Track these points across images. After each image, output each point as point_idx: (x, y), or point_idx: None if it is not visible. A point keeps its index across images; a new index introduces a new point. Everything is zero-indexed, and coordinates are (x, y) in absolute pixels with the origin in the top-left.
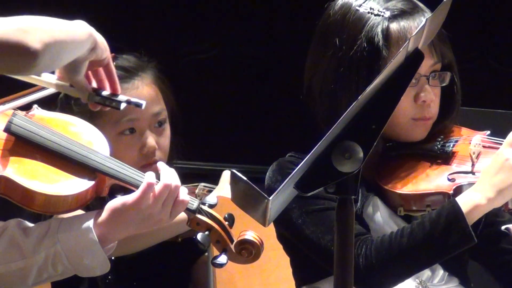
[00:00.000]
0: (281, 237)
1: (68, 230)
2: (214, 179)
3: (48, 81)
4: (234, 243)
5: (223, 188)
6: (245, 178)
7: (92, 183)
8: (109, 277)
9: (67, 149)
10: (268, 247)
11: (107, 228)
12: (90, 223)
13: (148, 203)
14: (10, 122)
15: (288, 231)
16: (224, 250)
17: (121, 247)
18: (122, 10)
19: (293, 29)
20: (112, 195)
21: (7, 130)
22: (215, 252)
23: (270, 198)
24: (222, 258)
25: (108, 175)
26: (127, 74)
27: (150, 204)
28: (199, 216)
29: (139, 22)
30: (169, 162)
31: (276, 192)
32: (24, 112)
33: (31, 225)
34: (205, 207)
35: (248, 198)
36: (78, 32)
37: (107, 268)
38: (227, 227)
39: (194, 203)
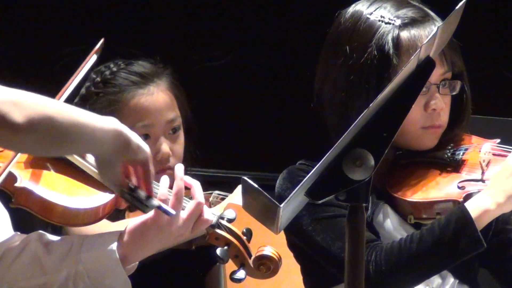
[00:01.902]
0: (291, 245)
1: (91, 250)
2: (226, 186)
3: (90, 166)
4: (252, 258)
5: (236, 195)
6: (256, 186)
7: (112, 196)
8: None
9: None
10: (280, 254)
11: (129, 250)
12: (113, 244)
13: (167, 221)
14: None
15: (298, 238)
16: (242, 265)
17: None
18: (135, 17)
19: (305, 36)
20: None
21: None
22: (231, 265)
23: (281, 205)
24: (241, 273)
25: None
26: (143, 80)
27: (170, 221)
28: (218, 231)
29: (152, 29)
30: (185, 170)
31: (287, 199)
32: None
33: (52, 238)
34: (224, 222)
35: (259, 206)
36: (97, 127)
37: (129, 287)
38: (246, 241)
39: (213, 218)
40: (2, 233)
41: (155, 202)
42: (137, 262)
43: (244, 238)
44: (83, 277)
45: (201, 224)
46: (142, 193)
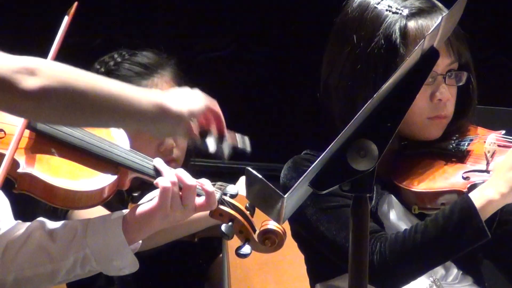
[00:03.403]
0: (296, 234)
1: (96, 234)
2: (230, 176)
3: None
4: (257, 232)
5: (240, 185)
6: (260, 176)
7: (115, 177)
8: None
9: (90, 144)
10: (283, 245)
11: (134, 233)
12: (119, 229)
13: (169, 207)
14: None
15: (303, 228)
16: (247, 240)
17: (149, 240)
18: (138, 6)
19: (309, 26)
20: (130, 191)
21: (30, 127)
22: (231, 244)
23: (285, 196)
24: (246, 248)
25: (132, 169)
26: (147, 71)
27: (173, 206)
28: (221, 207)
29: (155, 19)
30: (187, 160)
31: (291, 190)
32: None
33: (54, 225)
34: (227, 198)
35: (263, 196)
36: (131, 97)
37: (136, 267)
38: (249, 216)
39: (216, 194)
40: (3, 222)
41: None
42: (141, 241)
43: (248, 213)
44: (90, 261)
45: (206, 209)
46: (214, 138)
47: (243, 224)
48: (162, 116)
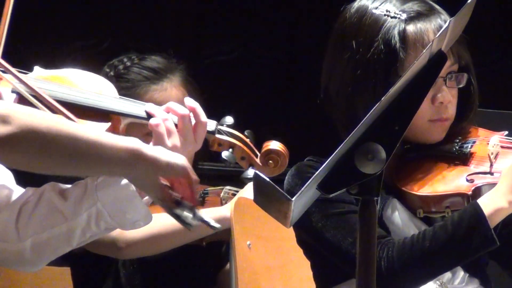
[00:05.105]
0: (301, 242)
1: (106, 187)
2: (236, 181)
3: None
4: (259, 156)
5: (247, 189)
6: (267, 179)
7: (108, 124)
8: (135, 277)
9: (75, 96)
10: (290, 248)
11: None
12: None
13: (167, 143)
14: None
15: (308, 235)
16: (250, 165)
17: (157, 245)
18: (145, 10)
19: (314, 31)
20: None
21: (15, 91)
22: (238, 246)
23: (293, 199)
24: (251, 172)
25: (122, 114)
26: (156, 75)
27: (170, 141)
28: (219, 136)
29: (161, 24)
30: (195, 166)
31: (299, 193)
32: (27, 74)
33: (66, 186)
34: (223, 128)
35: (271, 199)
36: (105, 144)
37: (150, 219)
38: (249, 142)
39: (212, 125)
40: (12, 189)
41: (199, 216)
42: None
43: (248, 140)
44: (103, 216)
45: (199, 130)
46: (187, 209)
47: (243, 149)
48: (135, 160)
